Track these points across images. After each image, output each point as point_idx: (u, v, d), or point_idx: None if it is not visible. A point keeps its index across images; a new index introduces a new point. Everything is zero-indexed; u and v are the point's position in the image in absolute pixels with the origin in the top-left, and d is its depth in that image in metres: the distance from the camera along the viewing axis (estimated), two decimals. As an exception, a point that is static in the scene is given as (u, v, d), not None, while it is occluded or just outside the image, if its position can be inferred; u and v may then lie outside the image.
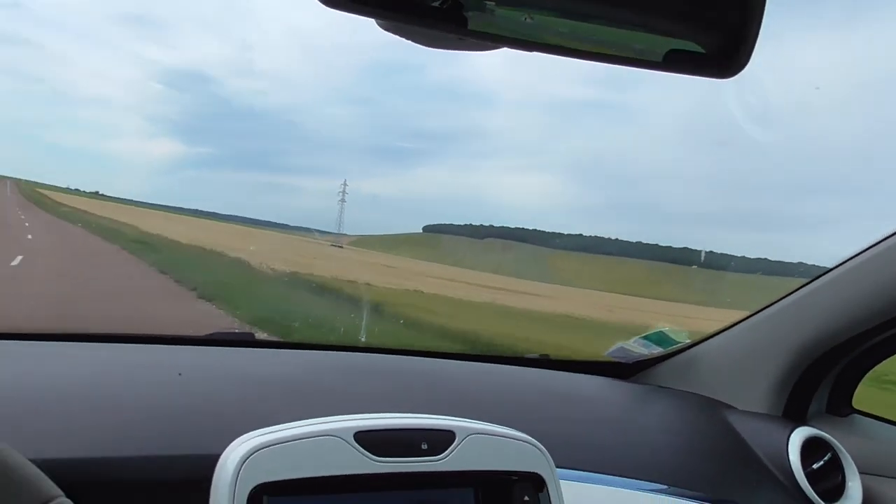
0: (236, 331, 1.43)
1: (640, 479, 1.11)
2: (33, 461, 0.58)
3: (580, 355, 1.76)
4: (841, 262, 1.29)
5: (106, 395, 0.93)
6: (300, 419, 0.79)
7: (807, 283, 1.35)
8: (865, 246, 1.25)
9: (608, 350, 1.61)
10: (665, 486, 1.12)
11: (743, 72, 0.58)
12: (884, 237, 1.22)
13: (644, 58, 0.59)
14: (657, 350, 1.57)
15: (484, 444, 0.81)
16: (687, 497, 1.11)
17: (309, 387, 1.08)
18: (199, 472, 0.73)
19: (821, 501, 1.16)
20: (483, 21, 0.55)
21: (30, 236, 14.27)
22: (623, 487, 1.09)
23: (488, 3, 0.55)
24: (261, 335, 1.45)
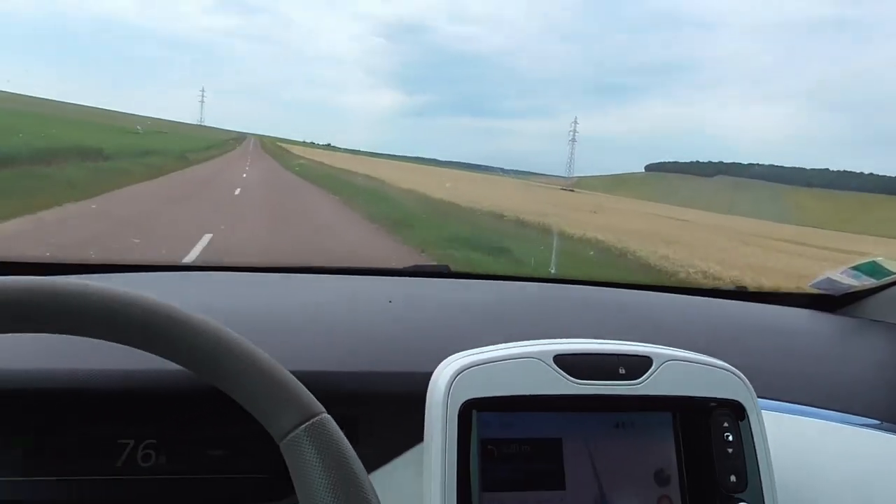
0: (434, 263, 1.52)
1: (850, 414, 1.06)
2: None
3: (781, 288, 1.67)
4: None
5: (333, 320, 1.03)
6: (501, 343, 0.84)
7: None
8: None
9: (812, 282, 1.52)
10: (878, 422, 1.06)
11: None
12: None
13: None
14: (869, 281, 1.46)
15: (681, 370, 0.81)
16: None
17: (506, 314, 1.14)
18: (413, 387, 0.80)
19: None
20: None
21: (244, 175, 20.08)
22: (830, 420, 1.05)
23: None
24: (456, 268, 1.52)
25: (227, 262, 1.32)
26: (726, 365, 0.83)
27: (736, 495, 0.79)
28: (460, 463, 0.73)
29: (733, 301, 1.45)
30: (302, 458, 0.55)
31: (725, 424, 0.81)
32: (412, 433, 0.80)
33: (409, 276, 1.46)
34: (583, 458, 0.78)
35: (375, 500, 0.55)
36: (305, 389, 0.59)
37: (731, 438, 0.80)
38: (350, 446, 0.57)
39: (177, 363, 0.59)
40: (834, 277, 1.49)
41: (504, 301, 1.24)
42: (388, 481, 0.81)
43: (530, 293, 1.31)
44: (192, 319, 0.58)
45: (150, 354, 0.59)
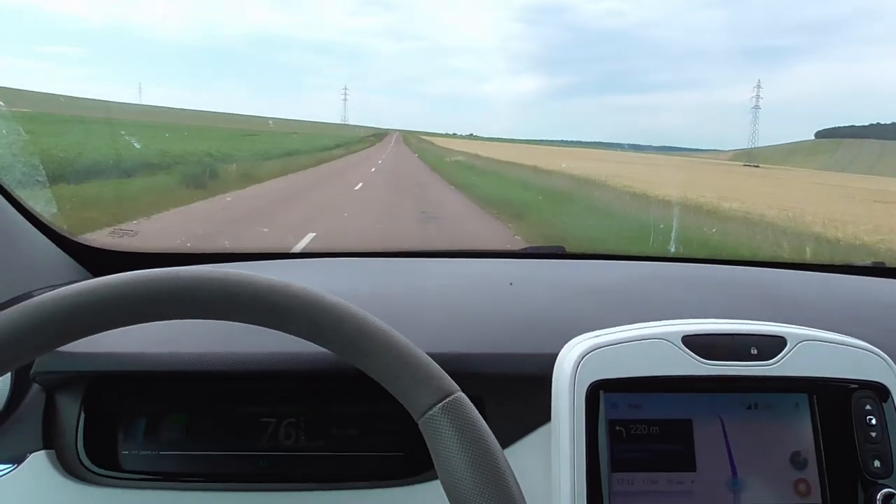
0: (549, 245, 1.52)
1: None
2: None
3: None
4: None
5: (456, 302, 1.06)
6: (624, 324, 0.83)
7: None
8: None
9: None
10: None
11: None
12: None
13: None
14: None
15: (818, 350, 0.79)
16: None
17: (625, 295, 1.12)
18: (538, 368, 0.81)
19: None
20: None
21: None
22: None
23: None
24: (571, 249, 1.51)
25: (345, 248, 1.38)
26: (867, 345, 0.80)
27: (880, 481, 0.75)
28: (589, 444, 0.73)
29: (872, 278, 1.37)
30: (440, 434, 0.58)
31: (868, 407, 0.77)
32: (538, 414, 0.81)
33: (526, 257, 1.47)
34: (714, 439, 0.77)
35: (511, 475, 0.57)
36: (441, 370, 0.62)
37: (874, 422, 0.77)
38: (485, 424, 0.59)
39: (322, 346, 0.62)
40: None
41: (623, 281, 1.22)
42: (516, 462, 0.83)
43: (649, 272, 1.29)
44: (338, 305, 0.62)
45: (285, 336, 0.63)
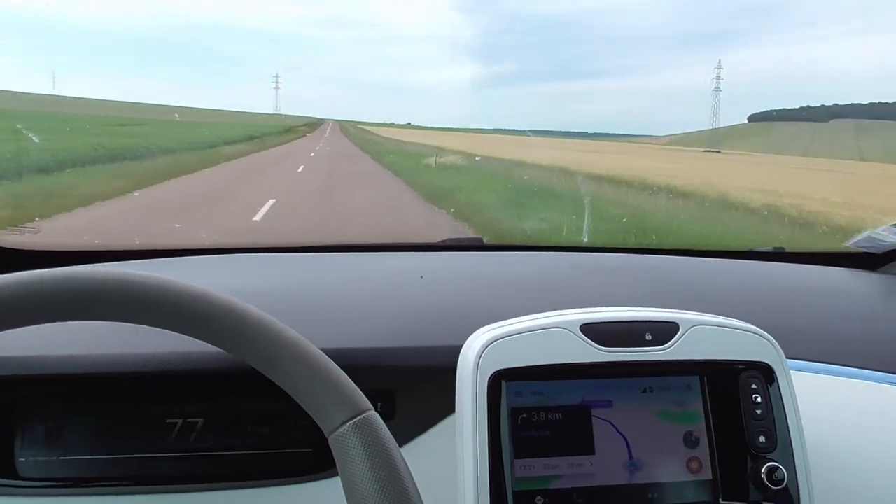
0: (468, 236, 1.54)
1: (888, 373, 1.05)
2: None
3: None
4: None
5: (368, 297, 1.07)
6: (529, 314, 0.86)
7: None
8: None
9: (852, 240, 1.50)
10: None
11: None
12: None
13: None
14: (912, 238, 1.43)
15: (708, 334, 0.82)
16: None
17: (538, 285, 1.15)
18: (446, 360, 0.83)
19: None
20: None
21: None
22: (867, 380, 1.04)
23: None
24: (489, 240, 1.53)
25: (261, 243, 1.37)
26: (754, 328, 0.84)
27: (766, 455, 0.80)
28: (491, 431, 0.75)
29: (771, 263, 1.44)
30: (349, 453, 0.57)
31: (754, 386, 0.82)
32: (447, 404, 0.82)
33: (444, 250, 1.49)
34: (611, 423, 0.80)
35: (417, 497, 0.57)
36: (354, 386, 0.61)
37: (759, 400, 0.81)
38: (395, 444, 0.59)
39: (235, 356, 0.62)
40: (875, 235, 1.47)
41: (536, 272, 1.25)
42: (424, 451, 0.84)
43: (563, 263, 1.33)
44: (253, 315, 0.61)
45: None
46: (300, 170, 17.93)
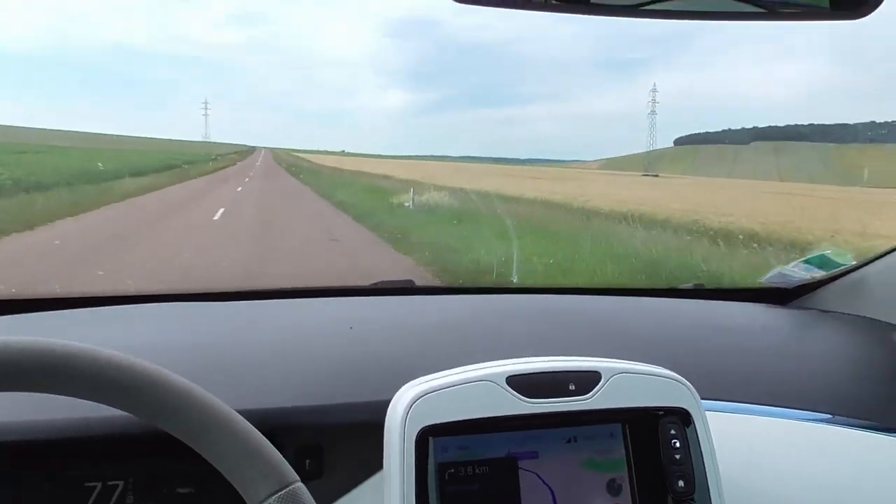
0: (397, 279, 1.54)
1: (802, 409, 1.10)
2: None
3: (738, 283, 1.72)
4: None
5: (295, 350, 1.06)
6: (458, 364, 0.87)
7: None
8: None
9: (765, 276, 1.57)
10: (829, 416, 1.09)
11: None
12: None
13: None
14: (819, 273, 1.51)
15: (629, 382, 0.85)
16: (853, 426, 1.09)
17: (468, 331, 1.17)
18: (375, 415, 0.83)
19: None
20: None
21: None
22: (782, 418, 1.08)
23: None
24: (420, 282, 1.54)
25: (184, 290, 1.34)
26: (672, 374, 0.87)
27: (685, 499, 0.83)
28: (419, 488, 0.76)
29: (688, 300, 1.50)
30: None
31: (672, 431, 0.85)
32: (376, 460, 0.82)
33: (374, 294, 1.49)
34: (537, 474, 0.81)
35: None
36: (280, 457, 0.61)
37: (678, 444, 0.84)
38: None
39: (161, 427, 0.61)
40: (785, 271, 1.54)
41: (467, 316, 1.27)
42: None
43: (493, 306, 1.35)
44: (174, 384, 0.60)
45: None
46: (217, 217, 12.55)
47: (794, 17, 0.56)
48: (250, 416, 0.85)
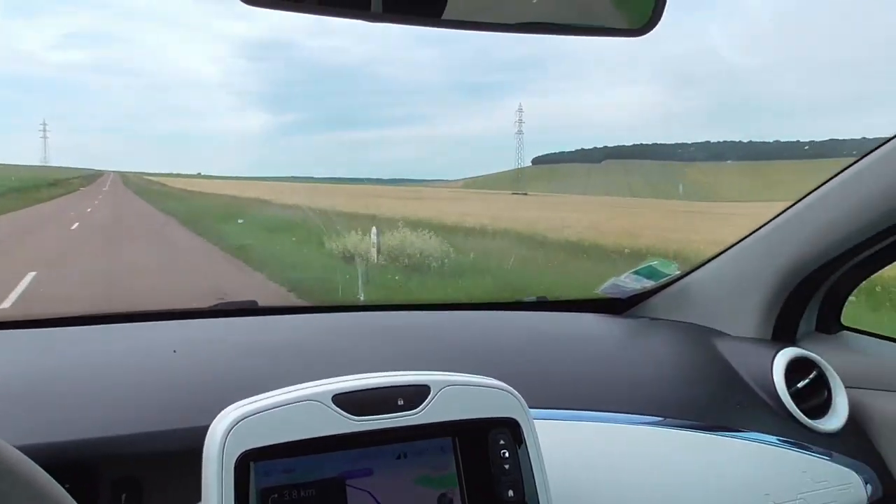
0: (239, 300, 1.48)
1: (633, 413, 1.15)
2: (29, 447, 0.62)
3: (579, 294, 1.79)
4: (824, 181, 1.30)
5: (107, 377, 0.99)
6: (288, 384, 0.84)
7: (793, 205, 1.36)
8: (848, 164, 1.25)
9: (601, 287, 1.64)
10: (659, 419, 1.15)
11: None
12: (863, 155, 1.23)
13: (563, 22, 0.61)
14: (649, 283, 1.60)
15: (459, 394, 0.85)
16: (680, 427, 1.14)
17: (298, 351, 1.13)
18: (193, 443, 0.78)
19: (804, 418, 1.20)
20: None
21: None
22: (614, 423, 1.12)
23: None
24: (264, 302, 1.49)
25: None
26: (500, 384, 0.88)
27: None
28: None
29: (529, 312, 1.54)
30: None
31: (502, 442, 0.85)
32: (197, 490, 0.78)
33: (213, 316, 1.42)
34: (369, 493, 0.79)
35: None
36: (70, 500, 0.56)
37: (507, 455, 0.85)
38: None
39: None
40: (618, 282, 1.62)
41: (307, 336, 1.24)
42: None
43: (335, 325, 1.32)
44: None
45: None
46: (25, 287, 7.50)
47: (584, 33, 0.59)
48: (59, 449, 0.78)
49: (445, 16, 0.58)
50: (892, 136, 1.17)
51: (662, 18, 0.58)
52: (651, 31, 0.59)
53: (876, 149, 1.20)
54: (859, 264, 1.35)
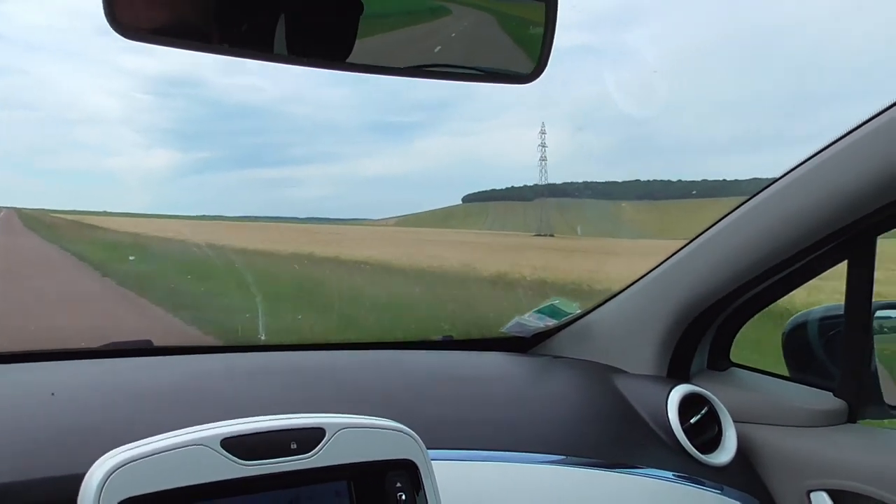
0: (133, 339, 1.41)
1: (535, 452, 1.15)
2: None
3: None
4: (714, 222, 1.36)
5: None
6: (174, 428, 0.80)
7: (687, 244, 1.41)
8: (736, 205, 1.32)
9: (506, 326, 1.66)
10: (561, 457, 1.15)
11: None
12: (752, 195, 1.29)
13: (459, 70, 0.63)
14: (551, 322, 1.62)
15: (355, 436, 0.83)
16: (582, 465, 1.16)
17: (191, 393, 1.09)
18: (68, 493, 0.73)
19: (697, 453, 1.24)
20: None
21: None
22: (516, 462, 1.12)
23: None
24: (159, 342, 1.43)
25: None
26: (398, 425, 0.87)
27: None
28: None
29: (435, 352, 1.53)
30: None
31: (399, 484, 0.84)
32: None
33: (103, 356, 1.35)
34: None
35: None
36: None
37: (404, 497, 0.83)
38: None
39: None
40: (522, 321, 1.64)
41: (201, 378, 1.19)
42: None
43: (231, 365, 1.28)
44: None
45: None
46: None
47: (480, 79, 0.61)
48: None
49: (350, 59, 0.59)
50: (780, 176, 1.24)
51: (548, 68, 0.61)
52: (538, 79, 0.62)
53: (764, 189, 1.26)
54: (747, 302, 1.42)
